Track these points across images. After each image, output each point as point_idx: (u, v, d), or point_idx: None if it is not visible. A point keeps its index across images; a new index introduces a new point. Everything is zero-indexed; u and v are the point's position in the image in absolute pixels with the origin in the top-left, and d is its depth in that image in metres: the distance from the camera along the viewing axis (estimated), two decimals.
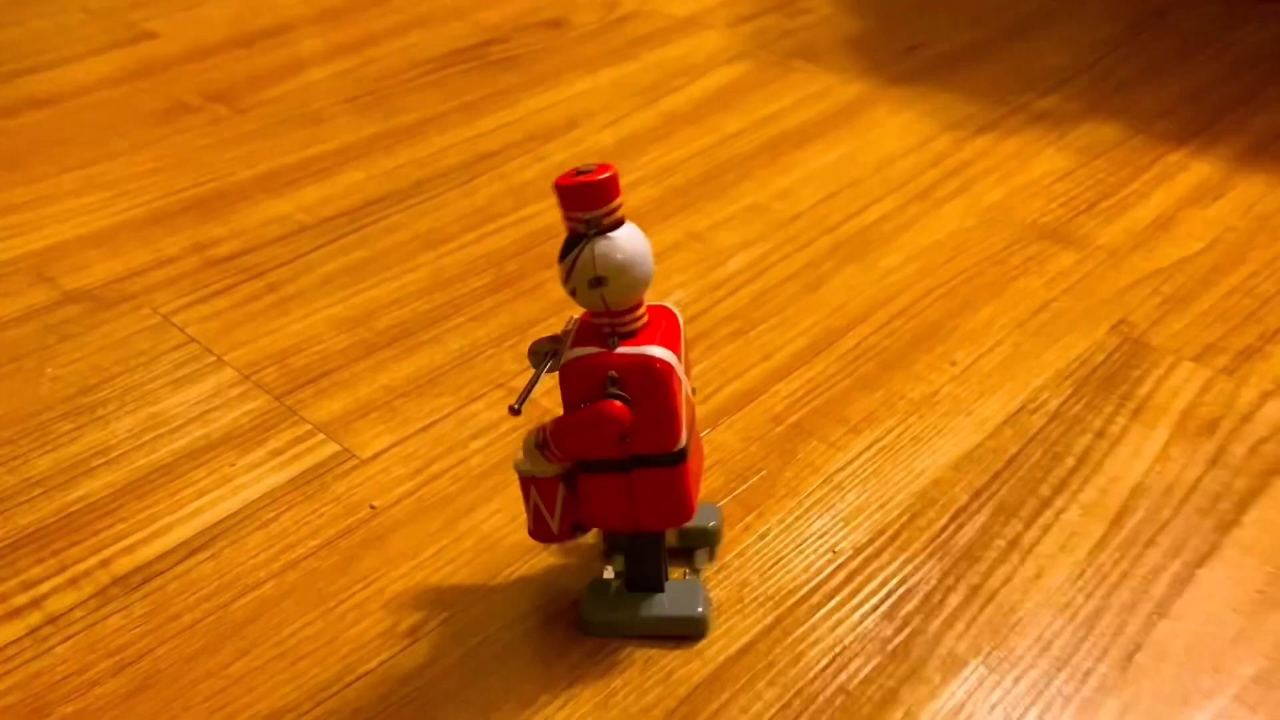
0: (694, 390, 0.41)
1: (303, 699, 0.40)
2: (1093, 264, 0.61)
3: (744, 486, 0.48)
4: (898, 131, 0.76)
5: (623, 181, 0.36)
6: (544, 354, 0.38)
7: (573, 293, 0.37)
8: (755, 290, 0.60)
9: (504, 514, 0.47)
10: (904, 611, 0.42)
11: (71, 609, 0.44)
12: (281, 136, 0.78)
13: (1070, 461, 0.49)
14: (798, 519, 0.46)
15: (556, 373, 0.38)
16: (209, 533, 0.47)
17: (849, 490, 0.48)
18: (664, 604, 0.42)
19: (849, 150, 0.74)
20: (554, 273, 0.62)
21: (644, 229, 0.37)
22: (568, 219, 0.36)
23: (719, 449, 0.50)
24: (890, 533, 0.46)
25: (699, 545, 0.44)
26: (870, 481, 0.48)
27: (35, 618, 0.43)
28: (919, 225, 0.65)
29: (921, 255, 0.63)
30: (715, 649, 0.41)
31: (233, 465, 0.50)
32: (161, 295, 0.62)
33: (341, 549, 0.46)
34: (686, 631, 0.42)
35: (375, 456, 0.50)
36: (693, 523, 0.41)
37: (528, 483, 0.40)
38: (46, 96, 0.86)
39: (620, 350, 0.37)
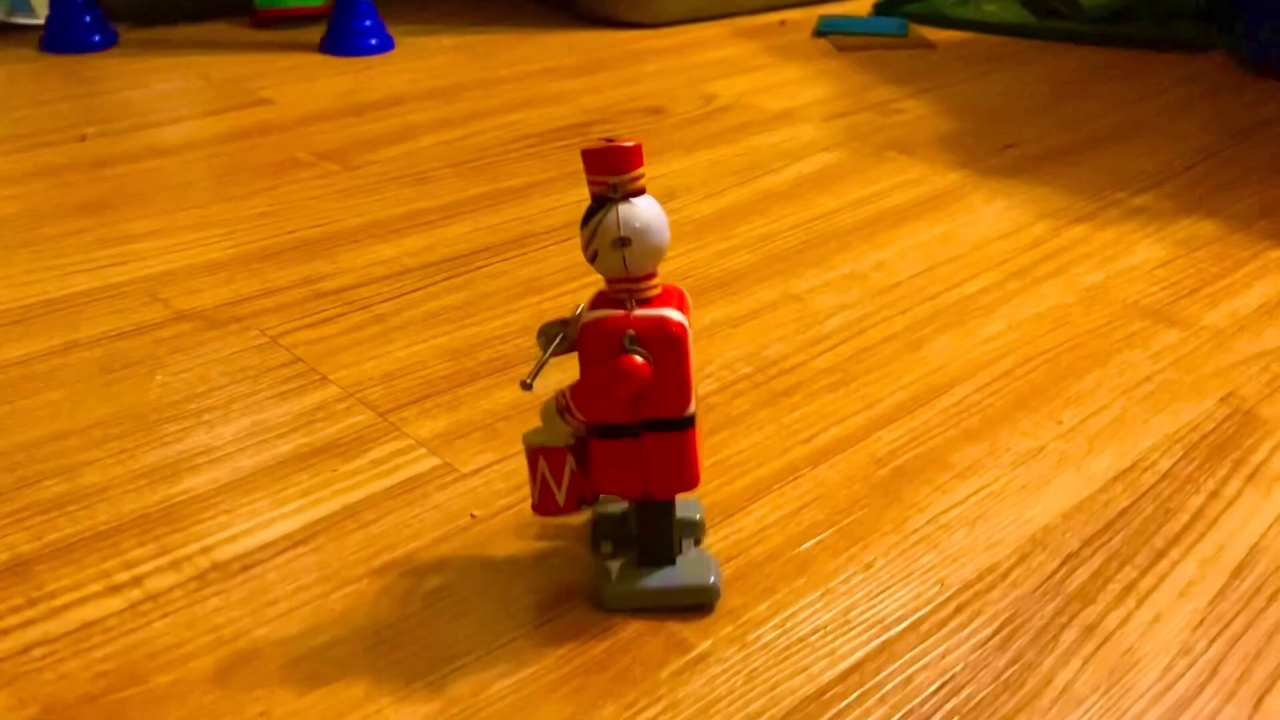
0: None
1: (399, 685, 0.39)
2: (1197, 342, 0.61)
3: (847, 520, 0.47)
4: (993, 217, 0.77)
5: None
6: (553, 335, 0.40)
7: (593, 256, 0.38)
8: (855, 347, 0.60)
9: None
10: (1016, 645, 0.41)
11: (171, 589, 0.44)
12: (390, 192, 0.81)
13: (1184, 518, 0.47)
14: (903, 553, 0.45)
15: (566, 353, 0.39)
16: (311, 528, 0.47)
17: (956, 530, 0.47)
18: (677, 575, 0.42)
19: (946, 230, 0.75)
20: None
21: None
22: (593, 184, 0.37)
23: (820, 485, 0.49)
24: (1000, 571, 0.44)
25: (684, 536, 0.44)
26: (978, 524, 0.47)
27: (135, 594, 0.43)
28: (1019, 299, 0.65)
29: (1022, 326, 0.63)
30: (819, 666, 0.40)
31: (335, 471, 0.50)
32: (270, 319, 0.63)
33: (440, 553, 0.46)
34: (700, 600, 0.42)
35: (476, 471, 0.50)
36: (680, 514, 0.42)
37: (536, 455, 0.40)
38: (167, 148, 0.90)
39: (638, 313, 0.38)
